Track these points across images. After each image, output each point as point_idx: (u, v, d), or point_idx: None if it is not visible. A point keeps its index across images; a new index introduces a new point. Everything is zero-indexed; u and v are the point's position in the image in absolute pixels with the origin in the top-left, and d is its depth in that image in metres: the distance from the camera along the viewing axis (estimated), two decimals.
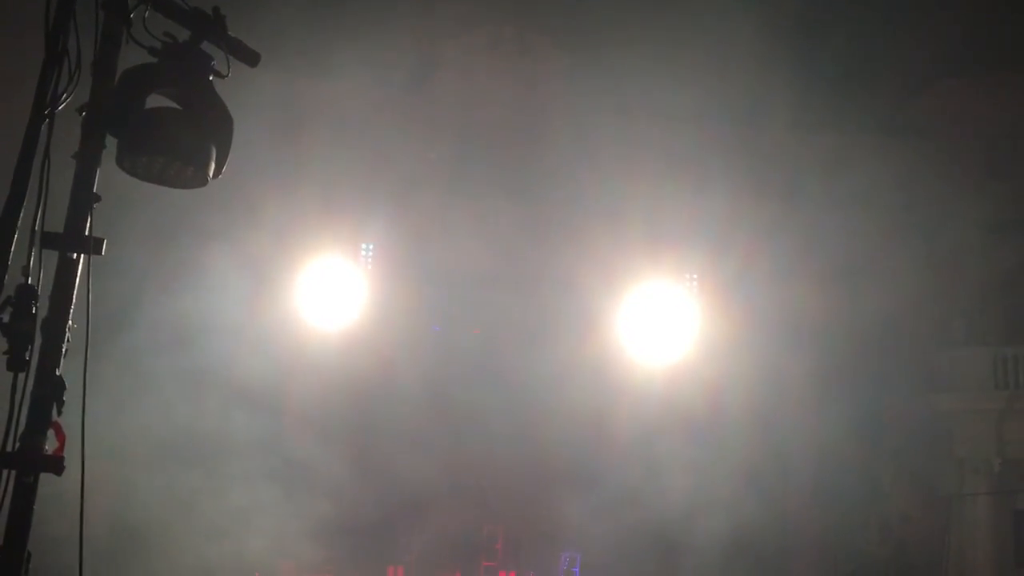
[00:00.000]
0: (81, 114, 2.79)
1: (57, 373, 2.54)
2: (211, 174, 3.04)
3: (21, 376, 2.45)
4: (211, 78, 3.06)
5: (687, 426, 18.71)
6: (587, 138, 19.11)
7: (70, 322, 2.59)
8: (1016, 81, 20.41)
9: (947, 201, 19.86)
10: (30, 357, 2.48)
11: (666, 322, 18.56)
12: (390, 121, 18.81)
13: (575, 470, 19.49)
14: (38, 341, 2.50)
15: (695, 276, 18.78)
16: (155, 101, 3.00)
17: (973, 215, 20.11)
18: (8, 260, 2.49)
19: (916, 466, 20.06)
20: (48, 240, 2.62)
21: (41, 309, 2.55)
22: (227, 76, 3.11)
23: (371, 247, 19.03)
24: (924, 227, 19.76)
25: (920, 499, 20.04)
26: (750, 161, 18.31)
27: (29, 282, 2.55)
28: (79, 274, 2.66)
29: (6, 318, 2.47)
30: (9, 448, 2.42)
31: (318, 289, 18.31)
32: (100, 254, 2.68)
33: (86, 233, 2.68)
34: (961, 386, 19.66)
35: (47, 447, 2.48)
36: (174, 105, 2.99)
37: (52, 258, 2.66)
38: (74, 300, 2.62)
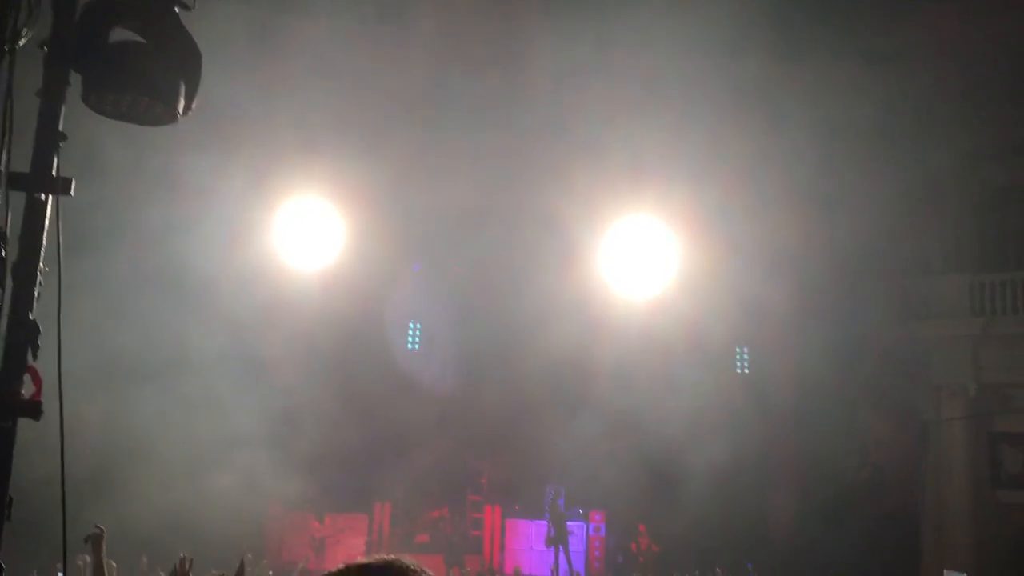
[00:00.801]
0: (43, 50, 2.69)
1: (30, 318, 2.49)
2: (181, 110, 2.95)
3: None
4: (177, 10, 2.96)
5: (667, 358, 18.88)
6: (568, 72, 18.86)
7: (41, 265, 2.53)
8: (998, 7, 20.24)
9: (926, 129, 19.85)
10: (1, 303, 2.43)
11: (647, 256, 18.60)
12: (366, 56, 18.47)
13: (558, 404, 19.67)
14: (9, 286, 2.45)
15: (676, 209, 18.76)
16: (120, 36, 2.90)
17: (952, 143, 20.12)
18: None
19: (893, 392, 20.37)
20: (14, 181, 2.54)
21: (11, 253, 2.49)
22: (193, 8, 3.00)
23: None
24: (903, 156, 19.76)
25: (897, 424, 20.41)
26: (731, 92, 18.15)
27: None
28: (48, 215, 2.60)
29: None
30: None
31: (296, 229, 18.18)
32: (69, 194, 2.60)
33: (53, 173, 2.60)
34: (938, 313, 19.88)
35: (24, 392, 2.45)
36: (139, 39, 2.89)
37: (20, 200, 2.59)
38: (44, 242, 2.55)
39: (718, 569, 16.02)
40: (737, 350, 21.34)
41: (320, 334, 18.26)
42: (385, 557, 1.73)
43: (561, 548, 19.96)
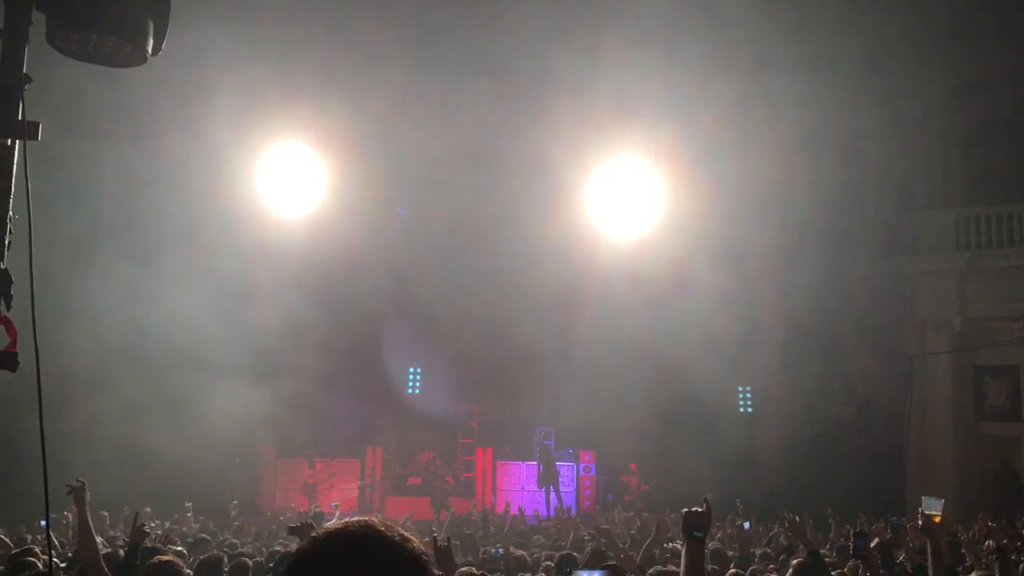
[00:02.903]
0: None
1: (2, 267, 2.43)
2: (150, 51, 2.85)
3: None
4: None
5: (654, 299, 18.92)
6: (551, 12, 18.57)
7: (10, 212, 2.46)
8: None
9: (911, 65, 19.70)
10: None
11: (633, 196, 18.51)
12: None
13: (546, 347, 19.74)
14: None
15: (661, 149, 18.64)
16: None
17: (937, 78, 20.00)
18: None
19: (879, 328, 20.53)
20: None
21: None
22: None
23: None
24: (888, 92, 19.63)
25: (883, 359, 20.61)
26: (716, 30, 17.93)
27: None
28: (15, 162, 2.52)
29: None
30: None
31: (279, 175, 17.97)
32: (36, 139, 2.52)
33: (19, 117, 2.52)
34: (923, 248, 19.95)
35: None
36: None
37: None
38: (12, 189, 2.48)
39: (706, 498, 16.20)
40: (723, 289, 21.38)
41: (306, 280, 18.17)
42: (354, 521, 1.66)
43: (552, 487, 20.22)
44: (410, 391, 21.76)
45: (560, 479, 20.69)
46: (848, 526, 12.77)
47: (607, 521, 13.24)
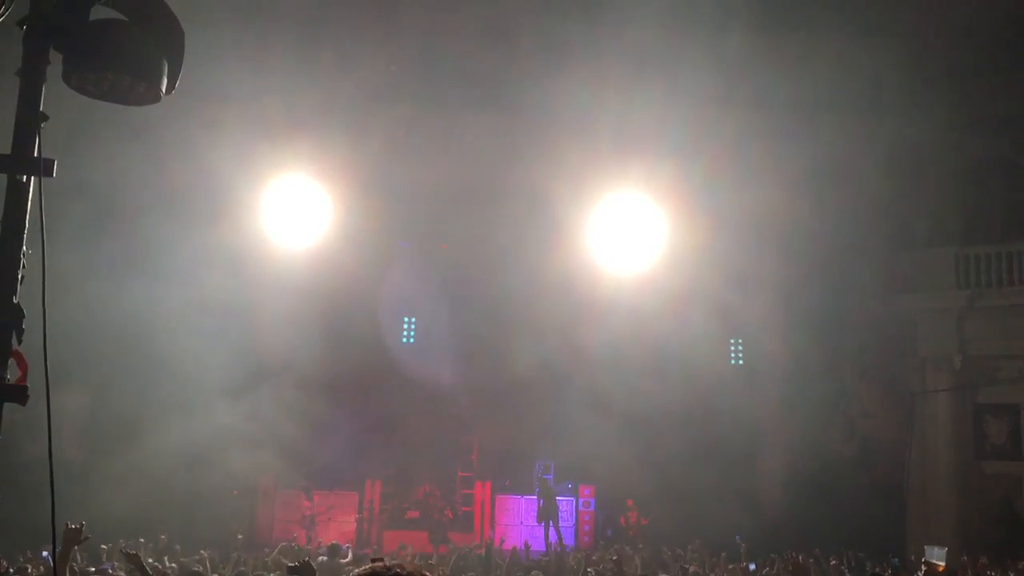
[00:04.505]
0: (22, 28, 2.65)
1: (14, 301, 2.47)
2: (164, 89, 2.91)
3: None
4: None
5: (655, 334, 18.93)
6: (554, 48, 18.76)
7: (24, 247, 2.50)
8: None
9: (910, 102, 19.86)
10: None
11: (634, 232, 18.61)
12: (353, 33, 18.31)
13: (547, 380, 19.73)
14: None
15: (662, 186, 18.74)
16: (100, 13, 2.86)
17: (936, 116, 20.14)
18: None
19: (880, 365, 20.52)
20: None
21: None
22: None
23: None
24: (887, 129, 19.77)
25: (883, 397, 20.57)
26: (717, 67, 18.10)
27: None
28: (31, 197, 2.57)
29: None
30: None
31: (283, 208, 18.09)
32: (51, 176, 2.57)
33: (35, 154, 2.57)
34: (924, 286, 19.99)
35: (9, 376, 2.43)
36: (121, 17, 2.84)
37: (1, 182, 2.56)
38: (27, 224, 2.53)
39: (696, 542, 16.07)
40: (725, 328, 21.41)
41: (308, 312, 18.20)
42: (386, 564, 1.75)
43: (551, 522, 20.07)
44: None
45: (560, 514, 20.55)
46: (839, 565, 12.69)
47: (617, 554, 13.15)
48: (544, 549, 18.33)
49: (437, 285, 20.48)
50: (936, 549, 7.15)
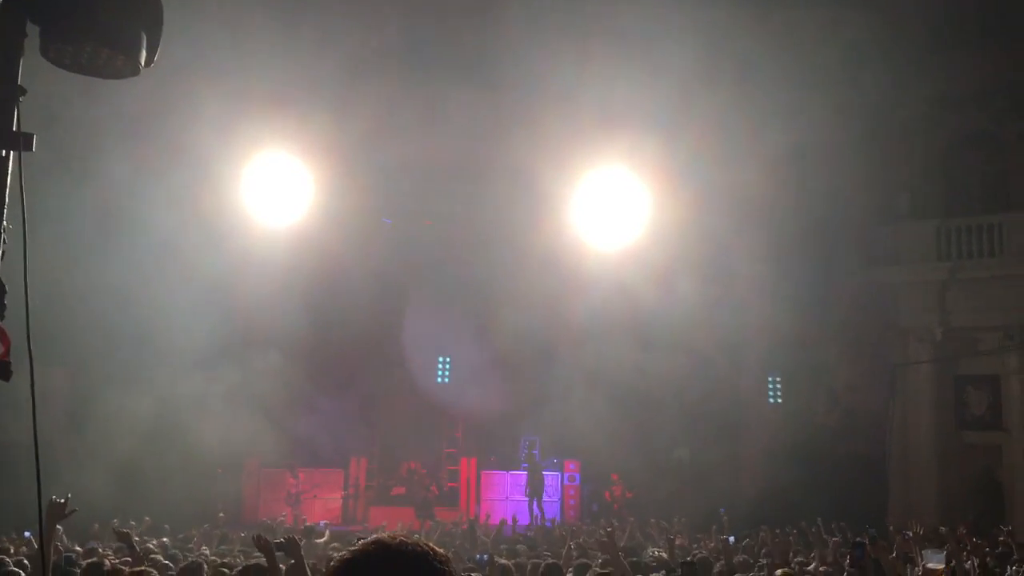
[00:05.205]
0: None
1: None
2: (143, 63, 2.87)
3: None
4: None
5: (639, 309, 18.99)
6: (538, 22, 18.65)
7: (4, 223, 2.47)
8: None
9: (893, 77, 19.89)
10: None
11: (618, 207, 18.61)
12: (335, 8, 18.13)
13: (531, 356, 19.78)
14: None
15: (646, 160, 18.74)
16: None
17: (918, 91, 20.19)
18: None
19: (862, 337, 20.66)
20: None
21: None
22: None
23: None
24: (870, 104, 19.81)
25: (865, 369, 20.73)
26: (701, 42, 18.05)
27: None
28: (10, 172, 2.53)
29: None
30: None
31: (264, 185, 17.96)
32: (31, 150, 2.54)
33: (14, 128, 2.54)
34: (905, 259, 20.12)
35: None
36: None
37: None
38: (7, 199, 2.49)
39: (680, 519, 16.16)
40: (707, 300, 21.48)
41: (292, 289, 18.13)
42: (403, 538, 1.76)
43: (535, 500, 20.18)
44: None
45: (545, 488, 20.68)
46: (832, 537, 12.82)
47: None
48: (529, 522, 18.46)
49: (421, 261, 20.43)
50: (934, 553, 7.22)
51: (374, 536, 1.78)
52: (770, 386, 21.40)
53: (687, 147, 18.45)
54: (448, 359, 21.81)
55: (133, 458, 16.02)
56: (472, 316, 20.06)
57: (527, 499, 20.36)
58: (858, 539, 7.63)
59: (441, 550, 1.75)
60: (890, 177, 20.62)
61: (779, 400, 21.25)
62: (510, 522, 14.85)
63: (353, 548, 1.75)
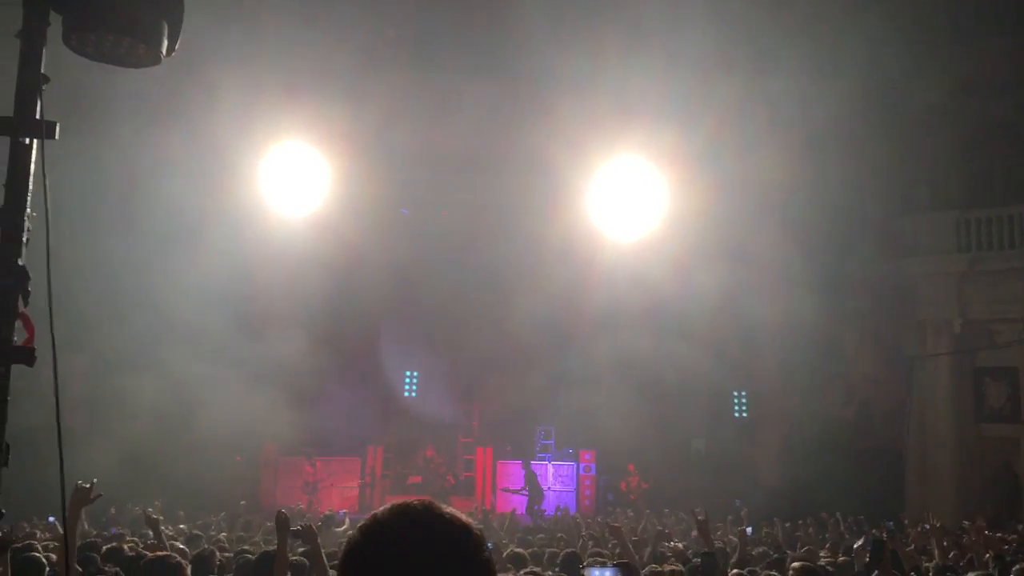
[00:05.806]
0: None
1: (20, 263, 2.47)
2: (164, 51, 2.89)
3: None
4: None
5: (656, 298, 18.95)
6: (554, 11, 18.59)
7: (28, 210, 2.50)
8: None
9: (913, 67, 19.72)
10: None
11: (635, 197, 18.56)
12: None
13: (548, 346, 19.78)
14: None
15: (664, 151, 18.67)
16: None
17: (938, 80, 20.01)
18: None
19: (879, 329, 20.55)
20: None
21: None
22: None
23: None
24: (890, 93, 19.66)
25: (883, 360, 20.62)
26: (719, 32, 17.95)
27: None
28: (33, 160, 2.56)
29: None
30: None
31: (282, 175, 18.02)
32: (54, 138, 2.56)
33: (37, 116, 2.56)
34: (924, 250, 19.97)
35: (16, 338, 2.44)
36: None
37: (4, 145, 2.55)
38: (31, 187, 2.52)
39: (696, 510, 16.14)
40: (724, 290, 21.42)
41: (307, 278, 18.19)
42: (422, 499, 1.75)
43: (535, 507, 19.94)
44: (407, 394, 21.84)
45: (559, 478, 20.71)
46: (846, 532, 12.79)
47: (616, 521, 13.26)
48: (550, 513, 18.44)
49: (438, 252, 20.44)
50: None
51: (403, 501, 1.76)
52: (786, 377, 21.31)
53: (704, 136, 18.36)
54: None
55: (149, 443, 16.15)
56: (488, 306, 20.06)
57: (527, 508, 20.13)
58: (875, 535, 7.61)
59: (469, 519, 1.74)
60: (910, 167, 20.47)
61: (795, 392, 21.15)
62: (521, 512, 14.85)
63: (376, 513, 1.73)
